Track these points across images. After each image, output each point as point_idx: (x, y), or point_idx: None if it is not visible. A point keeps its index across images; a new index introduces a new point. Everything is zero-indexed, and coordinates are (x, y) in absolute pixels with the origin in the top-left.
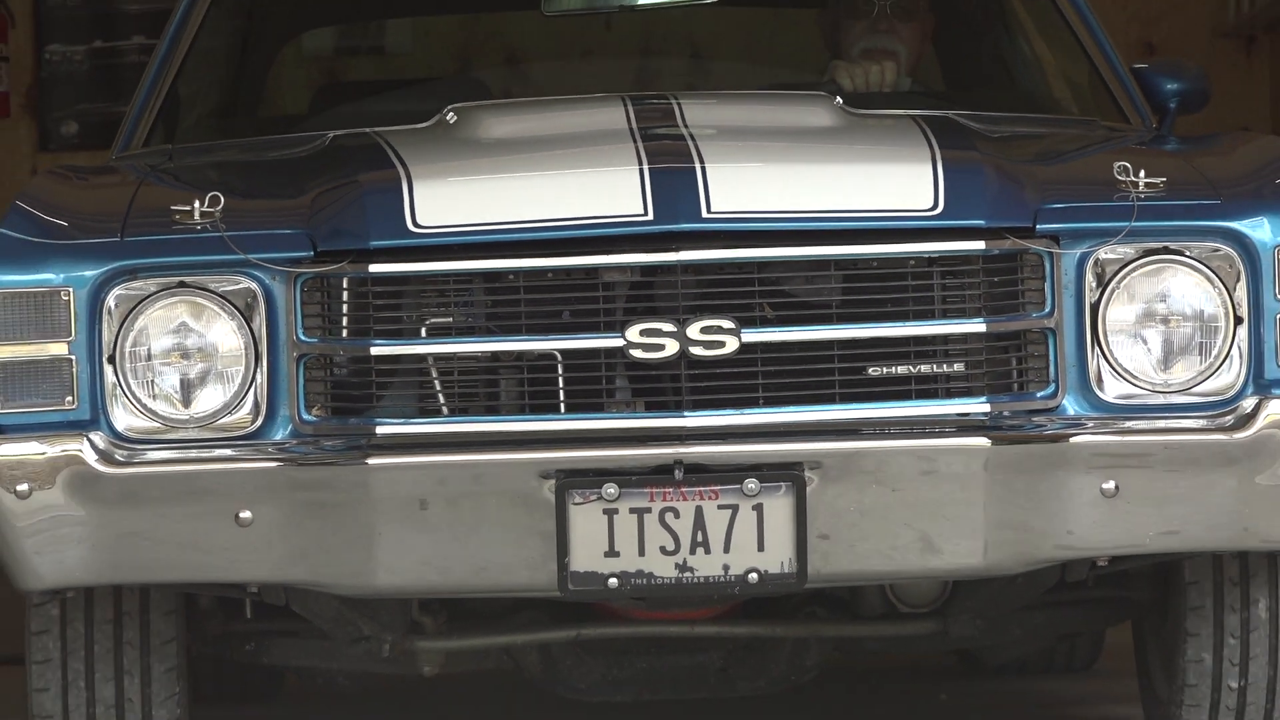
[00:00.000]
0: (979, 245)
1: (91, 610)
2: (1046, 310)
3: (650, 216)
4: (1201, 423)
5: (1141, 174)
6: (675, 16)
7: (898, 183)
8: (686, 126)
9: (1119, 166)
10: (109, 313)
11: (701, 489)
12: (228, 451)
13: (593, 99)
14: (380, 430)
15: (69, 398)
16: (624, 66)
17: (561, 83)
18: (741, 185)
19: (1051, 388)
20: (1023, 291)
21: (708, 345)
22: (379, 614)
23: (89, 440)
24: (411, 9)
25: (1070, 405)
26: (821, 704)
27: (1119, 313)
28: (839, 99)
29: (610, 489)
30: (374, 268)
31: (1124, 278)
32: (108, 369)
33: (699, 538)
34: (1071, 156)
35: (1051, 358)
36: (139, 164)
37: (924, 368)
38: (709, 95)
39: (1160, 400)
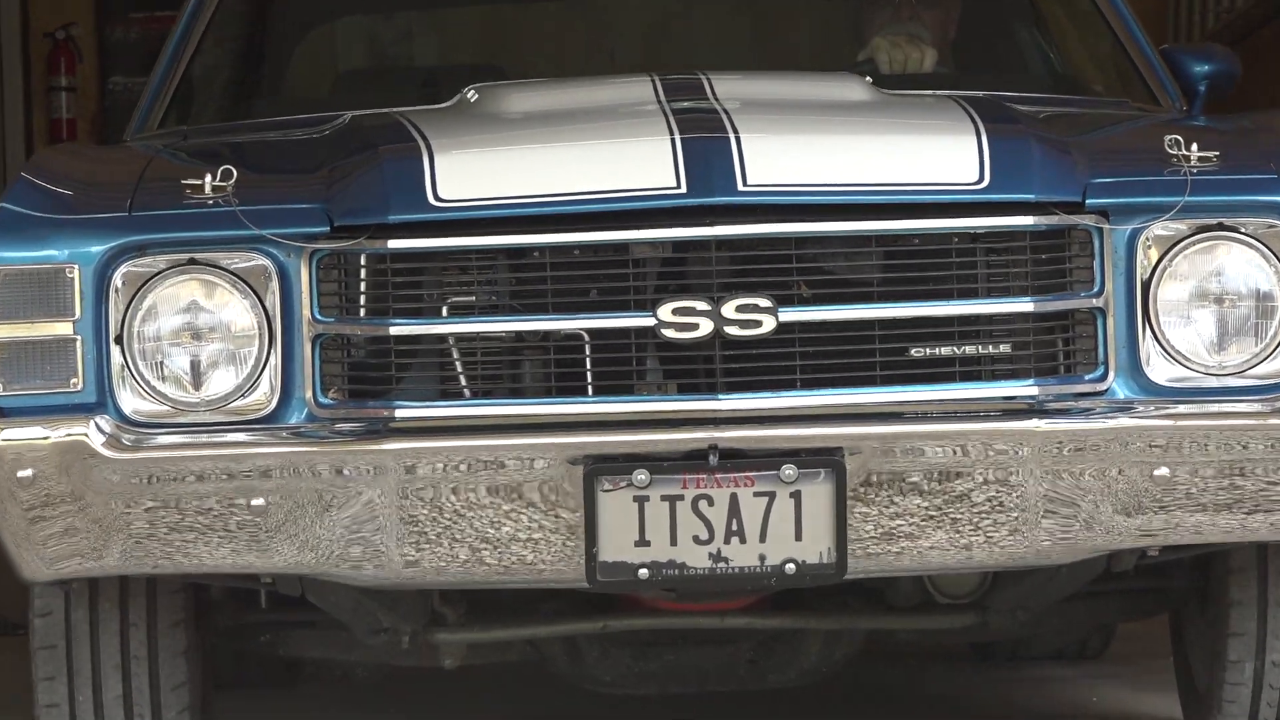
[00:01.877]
0: (1027, 220)
1: (96, 596)
2: (1095, 289)
3: (683, 189)
4: (1257, 406)
5: (1194, 148)
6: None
7: (942, 155)
8: (718, 100)
9: (1170, 140)
10: (116, 291)
11: (736, 475)
12: (240, 436)
13: (619, 77)
14: (400, 414)
15: (74, 379)
16: (646, 50)
17: (582, 68)
18: (779, 157)
19: (1100, 370)
20: (1071, 269)
21: (743, 325)
22: (399, 605)
23: (95, 424)
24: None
25: (1120, 388)
26: (840, 693)
27: (1171, 292)
28: (869, 78)
29: (641, 475)
30: (393, 243)
31: (1176, 255)
32: (115, 350)
33: (734, 526)
34: (1118, 131)
35: (1100, 338)
36: (153, 143)
37: (968, 349)
38: (738, 72)
39: (1214, 383)
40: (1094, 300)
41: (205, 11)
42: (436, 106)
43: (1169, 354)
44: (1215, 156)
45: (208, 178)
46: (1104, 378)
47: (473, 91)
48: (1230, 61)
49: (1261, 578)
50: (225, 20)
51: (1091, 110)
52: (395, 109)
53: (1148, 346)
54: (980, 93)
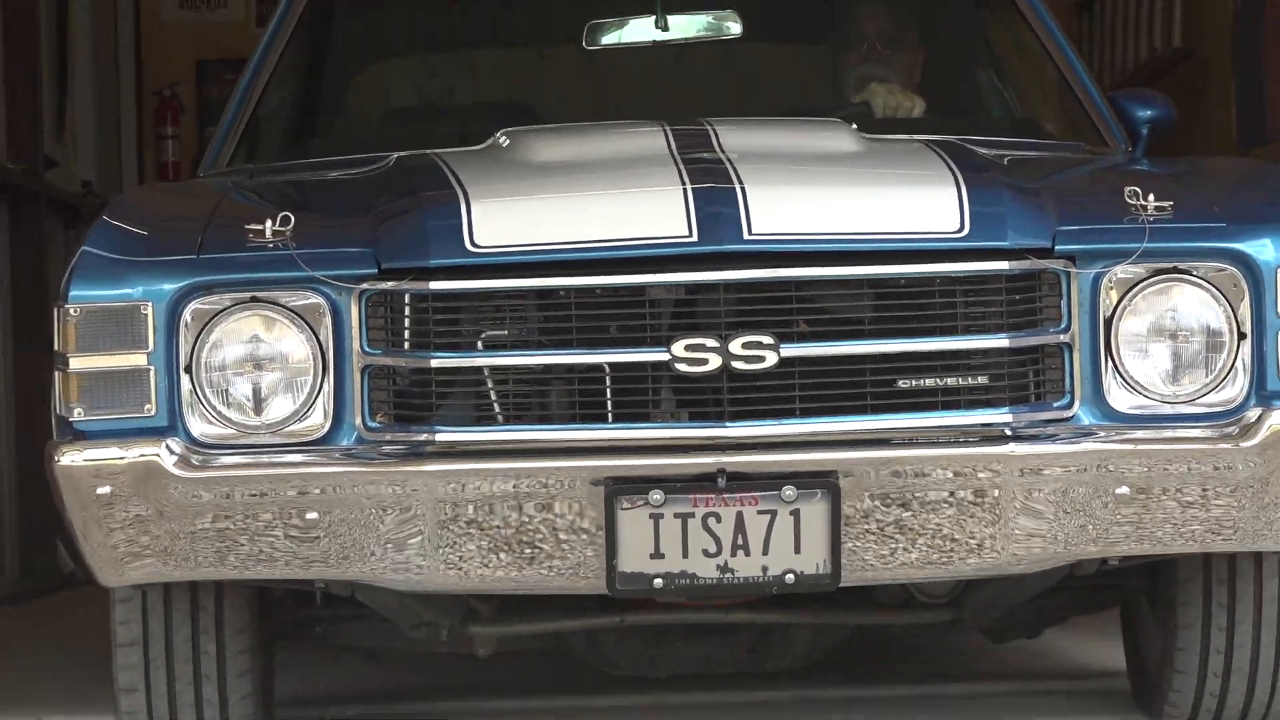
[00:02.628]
0: (1002, 265)
1: (170, 599)
2: (1063, 326)
3: (695, 238)
4: (1207, 432)
5: (1151, 198)
6: (706, 47)
7: (926, 206)
8: (723, 150)
9: (1130, 190)
10: (186, 325)
11: (742, 495)
12: (296, 457)
13: (634, 124)
14: (440, 437)
15: (148, 405)
16: (657, 94)
17: (601, 104)
18: (780, 208)
19: (1067, 399)
20: (1041, 308)
21: (748, 360)
22: (438, 603)
23: (166, 445)
24: (467, 42)
25: (1084, 415)
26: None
27: (1130, 328)
28: (854, 124)
29: (656, 495)
30: (434, 285)
31: (1135, 295)
32: (184, 378)
33: (739, 541)
34: (1081, 178)
35: (1067, 370)
36: (222, 181)
37: (949, 380)
38: (739, 120)
39: (1169, 410)
40: (1062, 336)
41: (269, 62)
42: (472, 149)
43: (1129, 384)
44: (1170, 205)
45: (268, 223)
46: (1070, 406)
47: (504, 136)
48: (1169, 107)
49: (1205, 581)
50: (285, 70)
51: (1050, 154)
52: (435, 150)
53: (1109, 378)
54: (952, 137)
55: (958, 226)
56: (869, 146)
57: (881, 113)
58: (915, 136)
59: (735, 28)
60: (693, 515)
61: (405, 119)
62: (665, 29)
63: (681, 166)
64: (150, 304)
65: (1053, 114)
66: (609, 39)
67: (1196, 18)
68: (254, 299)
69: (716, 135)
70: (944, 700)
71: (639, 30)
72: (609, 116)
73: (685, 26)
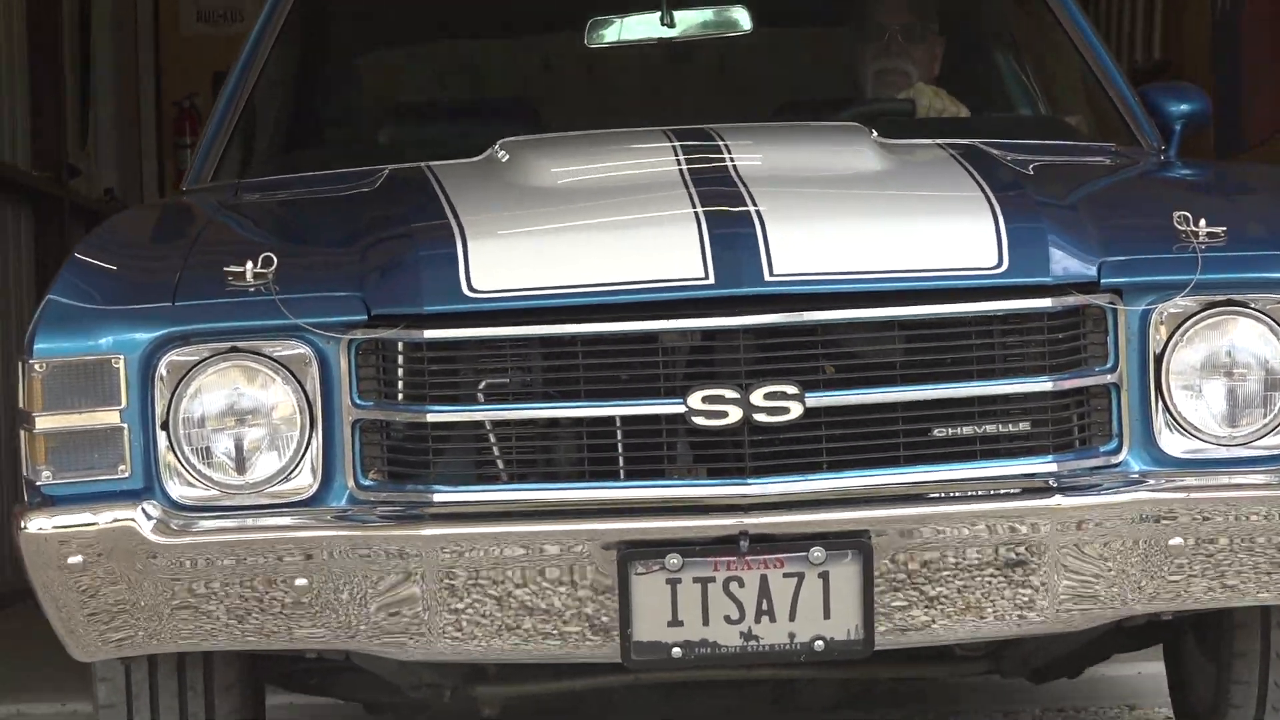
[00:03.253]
0: (1045, 303)
1: (155, 661)
2: (1109, 365)
3: (711, 281)
4: (1265, 478)
5: (1202, 223)
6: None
7: (960, 240)
8: (738, 173)
9: (1179, 216)
10: (161, 379)
11: (767, 557)
12: (284, 520)
13: (640, 136)
14: (438, 498)
15: (122, 466)
16: (665, 87)
17: (604, 104)
18: (803, 245)
19: (1114, 443)
20: (1086, 346)
21: (771, 412)
22: (440, 665)
23: (142, 509)
24: (463, 38)
25: (1134, 461)
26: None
27: (1182, 366)
28: (874, 131)
29: (674, 559)
30: (429, 333)
31: (1187, 330)
32: (161, 436)
33: (764, 606)
34: (1123, 199)
35: (1114, 413)
36: (205, 199)
37: (988, 427)
38: (752, 131)
39: (1225, 454)
40: (1108, 376)
41: (253, 68)
42: (468, 162)
43: (1181, 426)
44: (1223, 232)
45: (249, 264)
46: (1118, 451)
47: (503, 150)
48: (1205, 101)
49: (1265, 631)
50: (271, 75)
51: (1081, 159)
52: (428, 163)
53: (1160, 420)
54: (976, 141)
55: (995, 261)
56: (892, 162)
57: (925, 113)
58: (937, 140)
59: (745, 23)
60: (713, 580)
61: (398, 123)
62: (671, 25)
63: (694, 193)
64: (122, 356)
65: (1080, 110)
66: (612, 36)
67: (1176, 29)
68: (234, 349)
69: (729, 151)
70: None
71: (643, 27)
72: (613, 116)
73: (691, 22)
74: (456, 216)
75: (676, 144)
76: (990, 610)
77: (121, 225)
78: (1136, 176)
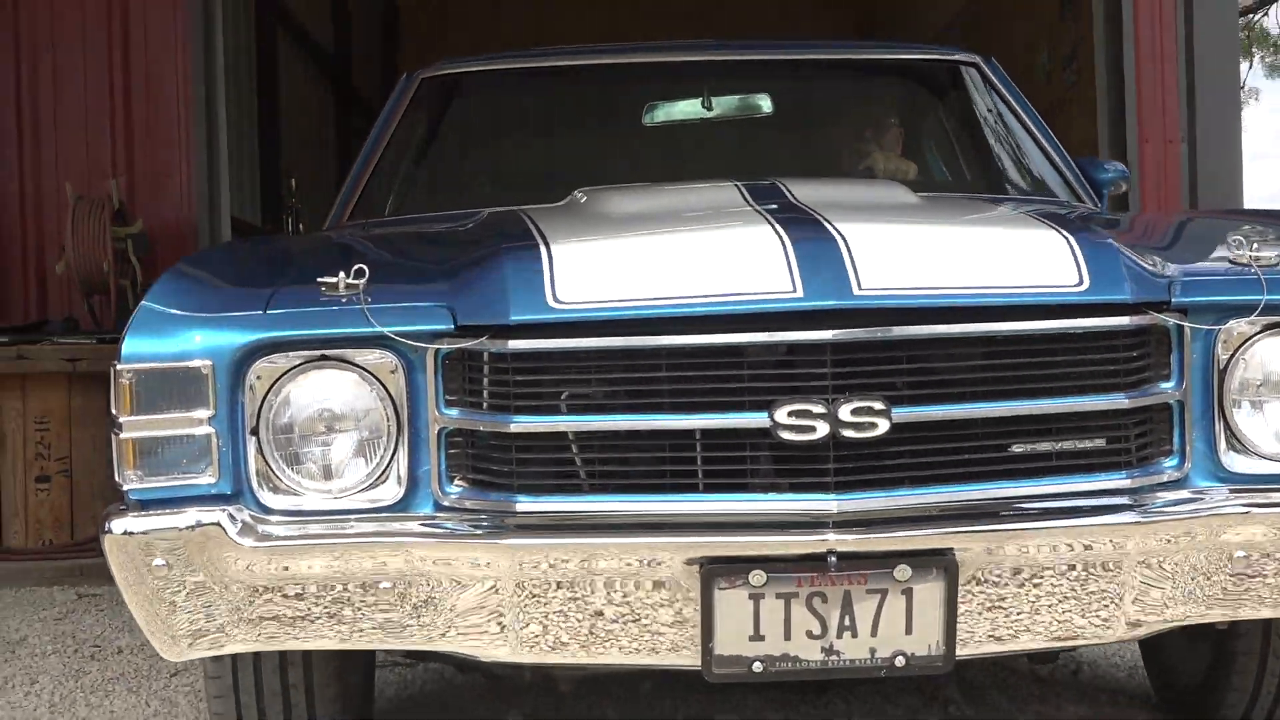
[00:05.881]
0: (1123, 321)
1: (259, 654)
2: (1176, 383)
3: (799, 293)
4: None
5: (1255, 248)
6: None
7: (1042, 258)
8: (803, 202)
9: (1234, 240)
10: (251, 386)
11: (851, 574)
12: (370, 526)
13: (704, 183)
14: (520, 507)
15: (209, 471)
16: (702, 154)
17: (658, 169)
18: (889, 260)
19: (1177, 459)
20: (1155, 365)
21: (858, 427)
22: None
23: (230, 514)
24: (548, 125)
25: (1196, 477)
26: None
27: (1243, 384)
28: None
29: (758, 576)
30: (514, 344)
31: (1247, 349)
32: (249, 442)
33: (846, 622)
34: (1162, 232)
35: (1177, 430)
36: (328, 234)
37: (1065, 443)
38: (800, 179)
39: None
40: (1176, 394)
41: (382, 139)
42: (553, 205)
43: (1242, 443)
44: (1276, 257)
45: (341, 275)
46: (1181, 467)
47: (581, 194)
48: (1123, 171)
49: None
50: (398, 139)
51: (1057, 209)
52: (521, 206)
53: (1222, 437)
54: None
55: (1077, 280)
56: (936, 202)
57: (882, 175)
58: (955, 194)
59: (766, 106)
60: (796, 595)
61: (494, 184)
62: (710, 109)
63: (769, 217)
64: (211, 362)
65: (1034, 177)
66: (664, 117)
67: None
68: (324, 357)
69: (787, 188)
70: None
71: (688, 109)
72: (665, 173)
73: (726, 105)
74: (543, 235)
75: (738, 184)
76: (1065, 623)
77: (228, 245)
78: (1142, 217)
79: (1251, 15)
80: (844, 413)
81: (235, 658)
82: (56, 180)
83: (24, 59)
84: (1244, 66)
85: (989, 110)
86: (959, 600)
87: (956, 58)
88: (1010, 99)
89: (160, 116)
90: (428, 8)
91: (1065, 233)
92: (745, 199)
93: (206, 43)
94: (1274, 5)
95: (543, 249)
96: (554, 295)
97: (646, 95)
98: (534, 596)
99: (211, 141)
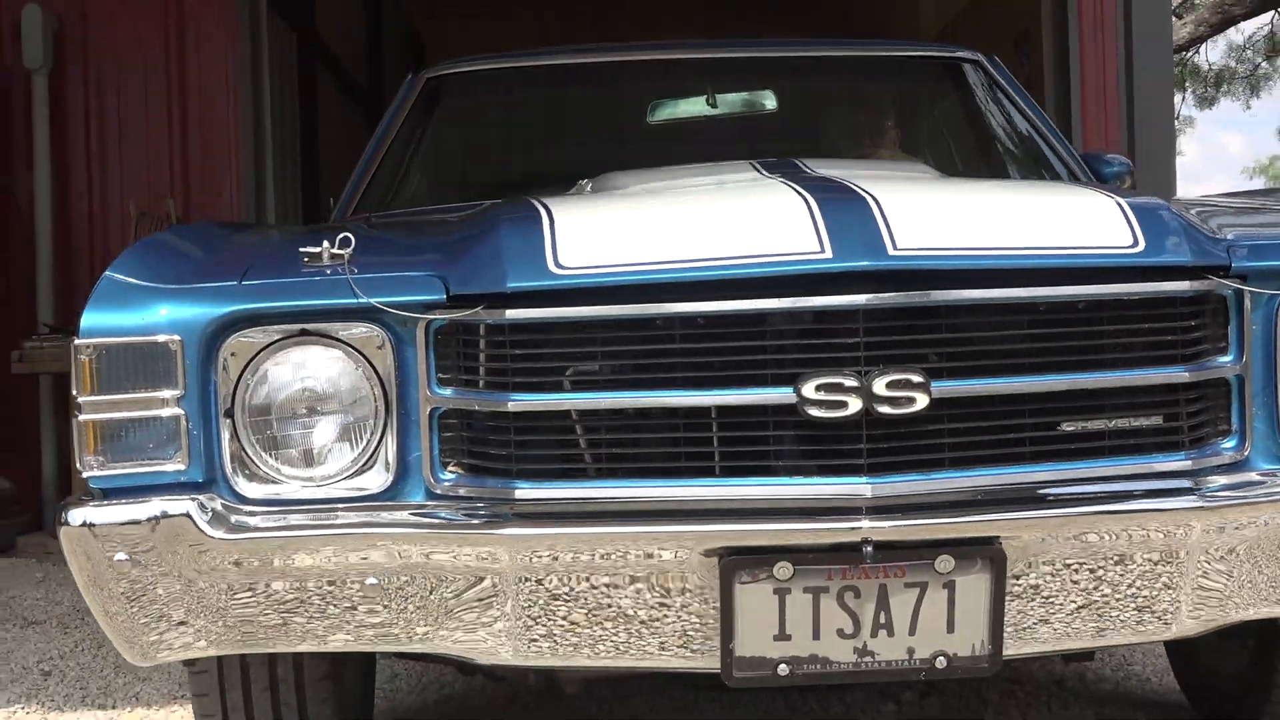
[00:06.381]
0: (1182, 286)
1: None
2: (1235, 356)
3: (828, 254)
4: None
5: None
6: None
7: (1092, 219)
8: (821, 173)
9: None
10: (225, 364)
11: (886, 565)
12: (356, 516)
13: (719, 163)
14: (520, 494)
15: (179, 457)
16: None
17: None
18: (925, 220)
19: (1235, 439)
20: (1211, 337)
21: (895, 403)
22: None
23: (201, 503)
24: (552, 122)
25: (1257, 458)
26: None
27: None
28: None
29: (783, 568)
30: (511, 314)
31: None
32: (223, 425)
33: (881, 619)
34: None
35: (1235, 407)
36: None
37: (1119, 421)
38: (818, 159)
39: None
40: (1235, 368)
41: (387, 137)
42: (560, 195)
43: None
44: None
45: (325, 245)
46: (1241, 448)
47: (587, 182)
48: (1126, 165)
49: None
50: (403, 137)
51: None
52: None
53: None
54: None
55: (1131, 240)
56: (963, 179)
57: None
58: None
59: (770, 103)
60: (826, 590)
61: (498, 181)
62: (715, 106)
63: (790, 182)
64: (180, 337)
65: (1041, 171)
66: (668, 115)
67: None
68: (304, 332)
69: (805, 164)
70: None
71: (693, 107)
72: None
73: (730, 103)
74: (545, 206)
75: (752, 161)
76: (1121, 617)
77: (211, 222)
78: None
79: (1184, 52)
80: (878, 387)
81: (221, 661)
82: (120, 199)
83: (92, 93)
84: (1178, 98)
85: (994, 106)
86: (1006, 594)
87: (959, 55)
88: (1014, 95)
89: (213, 142)
90: (448, 48)
91: (1114, 195)
92: (758, 170)
93: (254, 76)
94: (1204, 44)
95: (543, 214)
96: (555, 260)
97: (650, 93)
98: (534, 593)
99: (258, 165)
